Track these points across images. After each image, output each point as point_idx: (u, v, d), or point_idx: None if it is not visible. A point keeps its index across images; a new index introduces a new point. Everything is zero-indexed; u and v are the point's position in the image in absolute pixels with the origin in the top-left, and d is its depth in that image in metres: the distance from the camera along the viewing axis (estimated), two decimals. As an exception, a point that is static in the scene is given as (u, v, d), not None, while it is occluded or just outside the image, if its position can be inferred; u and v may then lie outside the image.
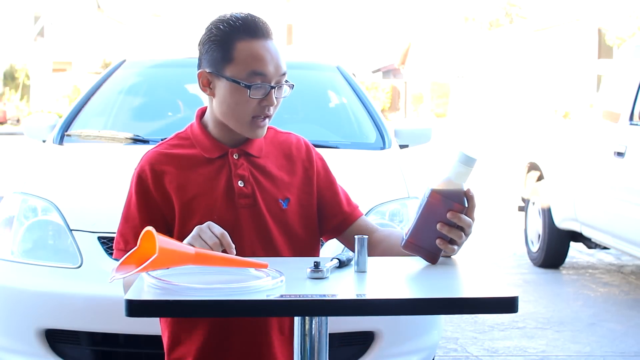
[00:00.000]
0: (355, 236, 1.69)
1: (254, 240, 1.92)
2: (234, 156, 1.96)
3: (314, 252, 2.03)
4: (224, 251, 1.71)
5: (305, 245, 1.99)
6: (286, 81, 1.94)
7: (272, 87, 1.90)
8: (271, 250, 1.93)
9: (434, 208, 1.75)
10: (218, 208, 1.91)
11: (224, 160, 1.96)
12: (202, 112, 2.04)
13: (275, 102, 1.92)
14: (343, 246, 2.10)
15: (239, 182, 1.94)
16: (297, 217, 1.98)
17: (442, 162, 14.69)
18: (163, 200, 1.92)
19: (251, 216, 1.93)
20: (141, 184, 1.94)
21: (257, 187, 1.95)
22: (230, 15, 1.93)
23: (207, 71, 1.94)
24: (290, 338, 1.87)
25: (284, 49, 2.02)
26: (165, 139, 2.05)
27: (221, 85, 1.92)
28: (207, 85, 1.95)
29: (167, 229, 1.92)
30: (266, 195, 1.95)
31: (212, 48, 1.92)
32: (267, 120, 1.93)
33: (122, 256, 1.59)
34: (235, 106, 1.91)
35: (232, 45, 1.89)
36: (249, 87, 1.88)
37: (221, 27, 1.91)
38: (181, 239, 1.75)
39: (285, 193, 1.97)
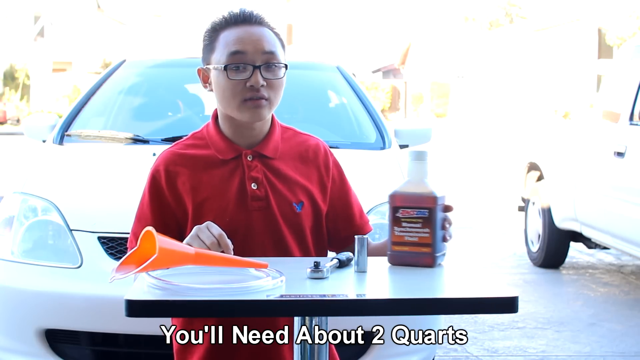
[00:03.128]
0: (355, 236, 1.69)
1: (265, 243, 1.91)
2: (248, 158, 1.94)
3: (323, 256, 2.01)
4: (222, 252, 1.71)
5: (315, 250, 1.98)
6: (278, 63, 1.90)
7: (257, 67, 1.87)
8: (282, 253, 1.91)
9: (439, 213, 1.74)
10: (230, 210, 1.89)
11: (237, 161, 1.94)
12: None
13: (264, 83, 1.88)
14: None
15: (252, 184, 1.92)
16: (310, 222, 1.96)
17: (442, 162, 14.70)
18: (176, 201, 1.92)
19: (264, 219, 1.91)
20: (155, 184, 1.93)
21: (271, 189, 1.93)
22: (223, 12, 1.95)
23: (202, 67, 1.97)
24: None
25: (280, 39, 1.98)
26: (168, 139, 2.05)
27: (212, 77, 1.94)
28: (206, 81, 1.97)
29: (178, 230, 1.91)
30: (280, 198, 1.93)
31: (204, 44, 1.96)
32: (262, 101, 1.89)
33: None
34: (223, 92, 1.90)
35: (217, 36, 1.92)
36: (225, 67, 1.88)
37: (211, 22, 1.95)
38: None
39: (299, 196, 1.94)
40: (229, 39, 1.90)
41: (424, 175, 1.76)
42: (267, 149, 1.96)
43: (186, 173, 1.93)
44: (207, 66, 1.95)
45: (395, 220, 1.75)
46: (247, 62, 1.87)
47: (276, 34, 1.95)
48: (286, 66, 1.93)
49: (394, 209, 1.75)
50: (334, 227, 2.01)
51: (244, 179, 1.92)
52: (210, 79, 1.95)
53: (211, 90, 1.96)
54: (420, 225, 1.73)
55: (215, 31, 1.93)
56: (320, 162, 2.01)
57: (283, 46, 1.96)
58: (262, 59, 1.88)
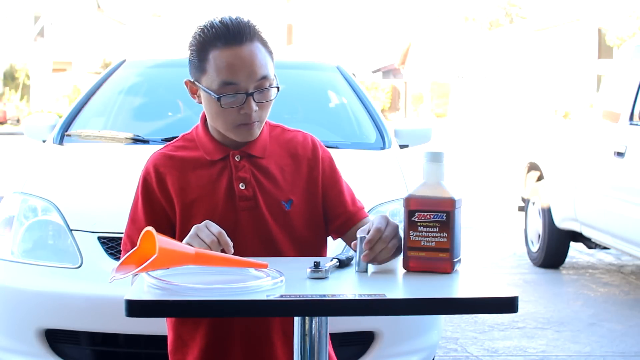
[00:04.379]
0: (358, 236, 1.69)
1: (255, 242, 1.91)
2: (236, 158, 1.94)
3: (320, 252, 2.01)
4: (222, 250, 1.71)
5: (310, 246, 1.97)
6: (270, 84, 1.89)
7: (249, 94, 1.86)
8: (273, 252, 1.91)
9: (457, 217, 1.71)
10: (219, 211, 1.90)
11: (225, 162, 1.95)
12: None
13: (257, 108, 1.87)
14: (343, 246, 2.09)
15: (240, 184, 1.92)
16: (302, 218, 1.95)
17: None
18: (167, 202, 1.93)
19: (252, 219, 1.91)
20: (146, 185, 1.94)
21: (259, 189, 1.93)
22: (209, 22, 1.89)
23: (190, 80, 1.94)
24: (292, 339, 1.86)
25: (279, 49, 1.95)
26: (168, 139, 2.05)
27: (202, 95, 1.92)
28: (195, 93, 1.95)
29: (172, 230, 1.92)
30: (268, 197, 1.93)
31: (191, 57, 1.92)
32: (255, 124, 1.90)
33: None
34: (215, 116, 1.90)
35: (205, 56, 1.88)
36: (219, 98, 1.86)
37: (198, 35, 1.90)
38: (182, 241, 1.74)
39: (288, 194, 1.95)
40: (219, 64, 1.85)
41: (441, 177, 1.71)
42: (255, 148, 1.96)
43: (175, 174, 1.94)
44: (197, 84, 1.92)
45: (411, 225, 1.69)
46: (240, 92, 1.86)
47: (266, 47, 1.91)
48: (278, 88, 1.92)
49: (410, 213, 1.69)
50: (329, 217, 2.01)
51: (231, 179, 1.93)
52: (198, 92, 1.93)
53: (200, 102, 1.94)
54: (437, 230, 1.69)
55: (203, 49, 1.88)
56: (309, 155, 2.00)
57: (272, 57, 1.93)
58: (254, 85, 1.87)
